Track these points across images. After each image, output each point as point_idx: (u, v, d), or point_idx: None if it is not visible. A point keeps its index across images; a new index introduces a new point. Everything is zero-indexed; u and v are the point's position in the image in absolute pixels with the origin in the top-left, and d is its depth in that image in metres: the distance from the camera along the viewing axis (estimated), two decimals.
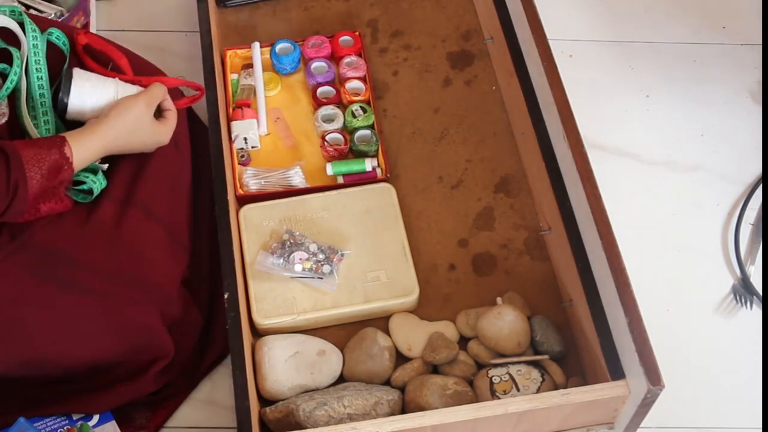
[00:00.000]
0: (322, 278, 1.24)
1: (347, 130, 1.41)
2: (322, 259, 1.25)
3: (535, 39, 1.26)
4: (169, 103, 1.20)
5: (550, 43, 1.26)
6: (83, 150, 1.08)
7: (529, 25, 1.28)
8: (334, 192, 1.33)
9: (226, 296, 1.17)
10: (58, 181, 1.05)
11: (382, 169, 1.36)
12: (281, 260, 1.25)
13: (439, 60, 1.52)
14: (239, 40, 1.54)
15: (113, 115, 1.12)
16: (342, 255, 1.25)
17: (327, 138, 1.38)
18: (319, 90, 1.44)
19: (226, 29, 1.56)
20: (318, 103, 1.44)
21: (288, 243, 1.26)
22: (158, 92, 1.18)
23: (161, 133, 1.18)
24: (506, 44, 1.37)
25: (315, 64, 1.47)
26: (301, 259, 1.25)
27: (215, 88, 1.37)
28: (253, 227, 1.30)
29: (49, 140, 1.06)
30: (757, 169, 1.45)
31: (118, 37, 1.34)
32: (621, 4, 1.67)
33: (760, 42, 1.60)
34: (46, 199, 1.05)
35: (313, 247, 1.25)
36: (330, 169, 1.35)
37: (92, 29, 1.54)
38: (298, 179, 1.35)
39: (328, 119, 1.41)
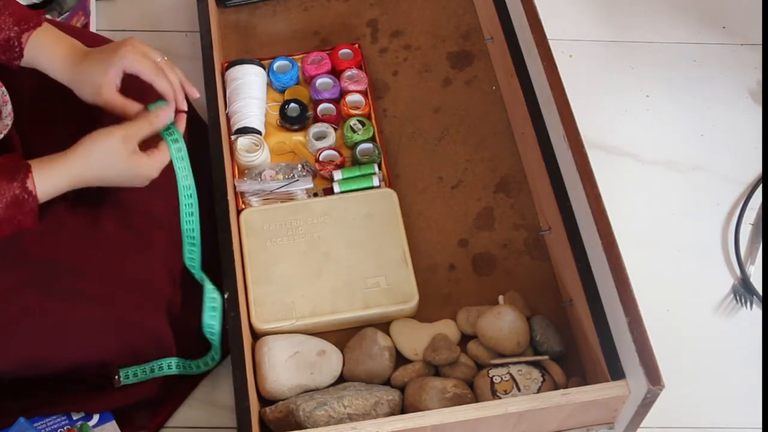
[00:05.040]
0: (298, 180, 1.32)
1: (347, 145, 1.40)
2: (284, 168, 1.33)
3: (535, 39, 1.26)
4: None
5: (550, 43, 1.26)
6: (48, 180, 1.00)
7: (529, 25, 1.28)
8: (335, 197, 1.33)
9: (225, 296, 1.17)
10: (21, 213, 0.98)
11: (385, 181, 1.36)
12: (257, 181, 1.31)
13: (439, 60, 1.52)
14: (239, 40, 1.54)
15: (84, 145, 1.02)
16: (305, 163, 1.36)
17: (320, 157, 1.36)
18: (320, 108, 1.42)
19: (226, 29, 1.56)
20: (318, 120, 1.42)
21: (253, 173, 1.34)
22: (143, 125, 1.06)
23: (144, 166, 1.05)
24: (506, 44, 1.37)
25: (320, 81, 1.45)
26: (271, 176, 1.32)
27: (215, 87, 1.37)
28: (253, 231, 1.30)
29: (12, 169, 0.98)
30: (757, 169, 1.45)
31: (118, 37, 1.34)
32: (621, 4, 1.67)
33: (760, 42, 1.60)
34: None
35: (275, 168, 1.34)
36: (337, 188, 1.34)
37: (92, 29, 1.55)
38: (301, 195, 1.34)
39: (320, 137, 1.40)
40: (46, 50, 1.06)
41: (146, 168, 1.06)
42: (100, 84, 1.06)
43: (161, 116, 1.07)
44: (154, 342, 1.15)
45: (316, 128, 1.40)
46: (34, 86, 1.15)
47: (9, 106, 1.11)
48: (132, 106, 1.08)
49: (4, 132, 1.10)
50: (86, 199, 1.12)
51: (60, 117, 1.17)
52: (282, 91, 1.47)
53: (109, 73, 1.06)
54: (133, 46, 1.08)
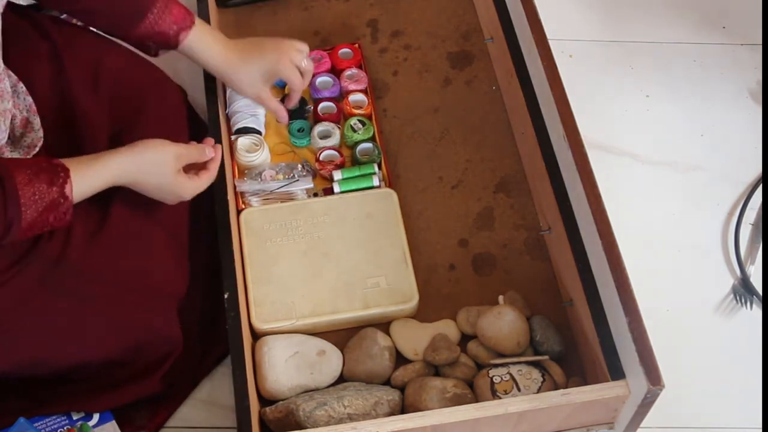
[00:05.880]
0: (298, 180, 1.33)
1: (348, 145, 1.40)
2: (284, 168, 1.34)
3: (535, 39, 1.26)
4: (212, 165, 1.17)
5: (550, 43, 1.26)
6: (85, 183, 1.03)
7: (529, 25, 1.28)
8: (335, 197, 1.33)
9: (226, 296, 1.17)
10: (56, 217, 1.00)
11: (385, 181, 1.36)
12: (257, 180, 1.32)
13: (439, 60, 1.52)
14: None
15: (137, 148, 1.08)
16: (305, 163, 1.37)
17: (320, 157, 1.37)
18: (320, 106, 1.42)
19: (226, 29, 1.56)
20: (318, 119, 1.42)
21: (253, 173, 1.35)
22: (195, 153, 1.15)
23: (184, 188, 1.13)
24: (506, 44, 1.37)
25: (320, 79, 1.45)
26: (271, 176, 1.33)
27: (215, 88, 1.37)
28: (253, 231, 1.30)
29: (50, 172, 1.00)
30: (757, 169, 1.45)
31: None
32: (621, 4, 1.67)
33: (760, 42, 1.60)
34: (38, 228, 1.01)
35: (275, 168, 1.35)
36: (337, 188, 1.34)
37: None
38: (301, 195, 1.34)
39: (324, 135, 1.40)
40: (205, 47, 1.25)
41: (184, 189, 1.13)
42: (260, 91, 1.30)
43: (209, 152, 1.18)
44: (158, 341, 1.16)
45: (320, 127, 1.40)
46: (56, 100, 1.17)
47: (38, 118, 1.13)
48: (276, 104, 1.34)
49: (39, 145, 1.12)
50: (93, 202, 1.12)
51: (80, 130, 1.18)
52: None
53: (269, 85, 1.31)
54: (291, 59, 1.28)
